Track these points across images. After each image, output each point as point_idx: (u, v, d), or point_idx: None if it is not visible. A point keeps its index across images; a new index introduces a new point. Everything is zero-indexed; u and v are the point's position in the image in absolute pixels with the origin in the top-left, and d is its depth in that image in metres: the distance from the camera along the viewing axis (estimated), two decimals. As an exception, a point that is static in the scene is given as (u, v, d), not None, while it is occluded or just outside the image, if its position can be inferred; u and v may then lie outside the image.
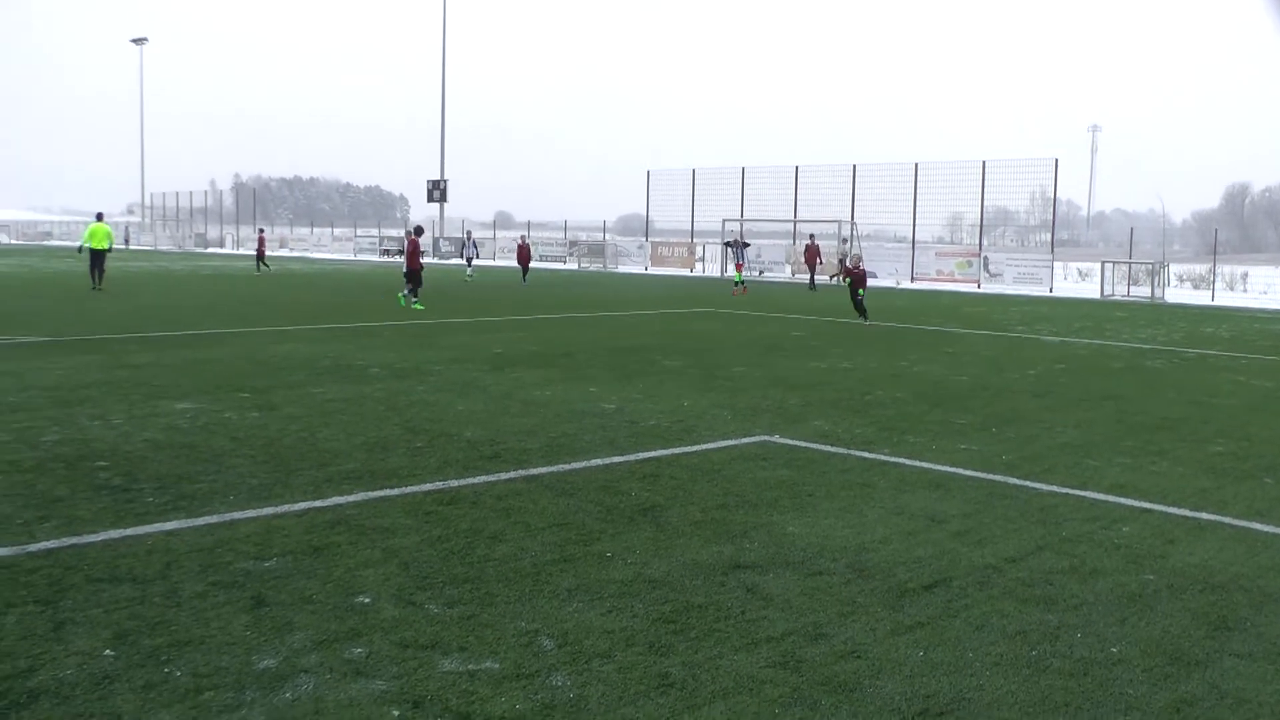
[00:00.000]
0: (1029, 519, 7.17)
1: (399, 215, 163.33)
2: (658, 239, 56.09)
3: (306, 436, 9.37)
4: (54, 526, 6.52)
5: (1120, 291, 37.35)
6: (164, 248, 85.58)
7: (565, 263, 57.30)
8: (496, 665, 4.63)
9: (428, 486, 7.68)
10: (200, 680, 4.42)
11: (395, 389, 12.13)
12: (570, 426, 10.07)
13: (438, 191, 68.42)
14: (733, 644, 4.92)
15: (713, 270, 50.00)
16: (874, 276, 36.48)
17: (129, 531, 6.44)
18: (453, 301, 27.31)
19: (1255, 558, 6.46)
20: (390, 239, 68.43)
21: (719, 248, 46.33)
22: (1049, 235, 48.20)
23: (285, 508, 7.04)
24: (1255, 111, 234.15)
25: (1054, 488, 8.07)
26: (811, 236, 41.54)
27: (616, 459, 8.73)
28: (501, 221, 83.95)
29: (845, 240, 44.40)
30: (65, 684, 4.35)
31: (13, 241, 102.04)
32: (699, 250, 52.77)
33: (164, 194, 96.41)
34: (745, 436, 9.79)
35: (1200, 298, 37.86)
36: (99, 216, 31.79)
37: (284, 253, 73.07)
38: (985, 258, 42.31)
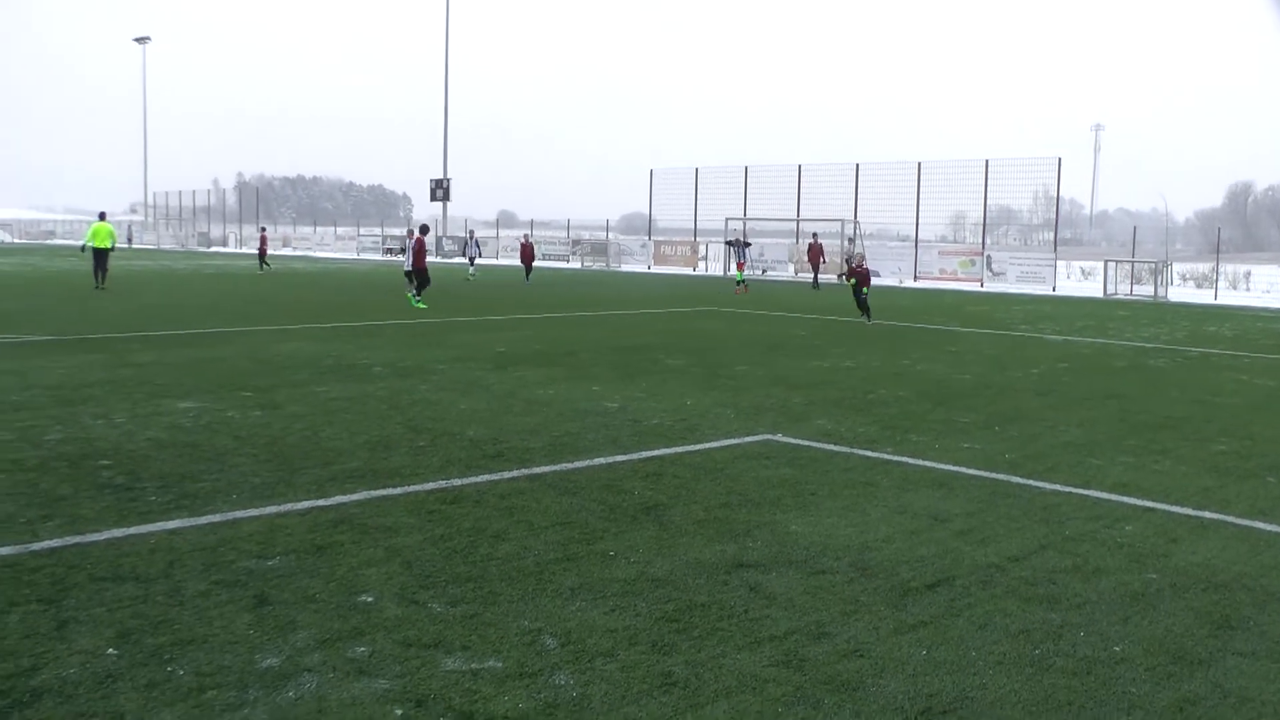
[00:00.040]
0: (1032, 518, 7.17)
1: (402, 214, 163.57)
2: (660, 238, 56.10)
3: (309, 435, 9.38)
4: (57, 525, 6.53)
5: (1123, 290, 37.32)
6: (167, 247, 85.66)
7: (568, 262, 57.32)
8: (499, 664, 4.63)
9: (431, 485, 7.69)
10: (203, 679, 4.42)
11: (398, 388, 12.14)
12: (573, 425, 10.07)
13: (441, 190, 68.50)
14: (735, 643, 4.92)
15: (715, 269, 50.00)
16: (877, 275, 36.44)
17: (132, 530, 6.45)
18: (456, 300, 27.31)
19: (1258, 556, 6.45)
20: (393, 237, 68.42)
21: (722, 246, 46.30)
22: (1052, 234, 48.13)
23: (288, 506, 7.04)
24: (1258, 110, 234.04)
25: (1057, 486, 8.07)
26: (815, 235, 41.50)
27: (619, 458, 8.73)
28: (504, 220, 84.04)
29: (851, 240, 44.37)
30: (68, 683, 4.36)
31: (16, 240, 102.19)
32: (702, 249, 52.75)
33: (167, 193, 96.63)
34: (748, 435, 9.79)
35: (1203, 297, 37.80)
36: (102, 215, 31.82)
37: (287, 252, 73.13)
38: (988, 256, 42.28)
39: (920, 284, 42.17)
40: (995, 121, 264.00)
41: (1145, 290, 36.72)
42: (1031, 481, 8.20)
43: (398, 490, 7.52)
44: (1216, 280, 39.94)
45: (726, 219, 49.25)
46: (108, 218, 31.65)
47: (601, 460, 8.63)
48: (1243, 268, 46.02)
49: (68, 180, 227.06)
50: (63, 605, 5.20)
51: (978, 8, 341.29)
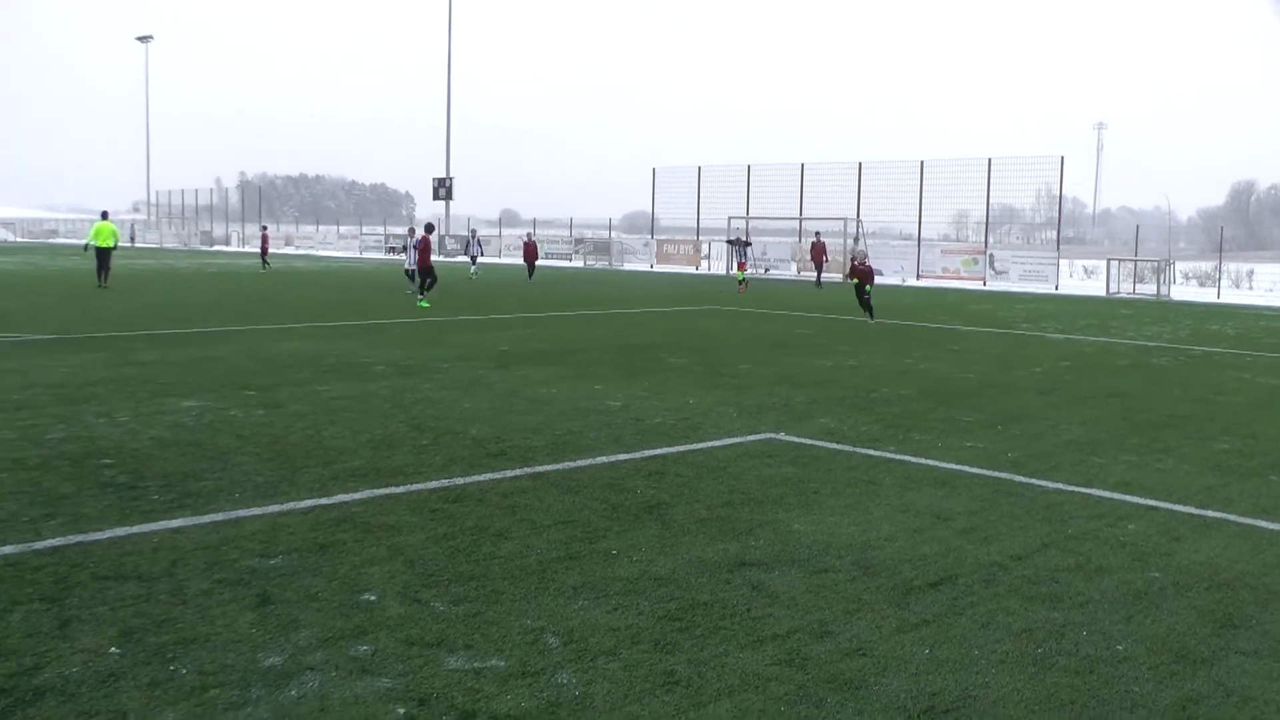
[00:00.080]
0: (1034, 516, 7.16)
1: (404, 213, 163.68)
2: (663, 237, 56.10)
3: (312, 434, 9.38)
4: (60, 524, 6.53)
5: (1126, 289, 37.29)
6: (169, 246, 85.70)
7: (571, 260, 57.32)
8: (502, 663, 4.63)
9: (433, 484, 7.69)
10: (205, 678, 4.42)
11: (401, 386, 12.14)
12: (576, 424, 10.07)
13: (443, 189, 68.55)
14: (738, 641, 4.92)
15: (718, 268, 49.98)
16: (880, 274, 36.43)
17: (134, 529, 6.45)
18: (459, 299, 27.32)
19: (1261, 555, 6.45)
20: (395, 236, 68.42)
21: (724, 245, 46.29)
22: (1054, 233, 48.09)
23: (291, 505, 7.05)
24: (1261, 109, 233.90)
25: (1059, 485, 8.06)
26: (817, 234, 41.46)
27: (622, 456, 8.73)
28: (507, 219, 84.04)
29: (856, 240, 44.35)
30: (71, 681, 4.36)
31: (18, 239, 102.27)
32: (704, 248, 52.74)
33: (169, 192, 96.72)
34: (751, 434, 9.79)
35: (1206, 295, 37.78)
36: (104, 215, 31.88)
37: (289, 250, 73.15)
38: (991, 255, 42.25)
39: (923, 283, 42.15)
40: (998, 120, 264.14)
41: (1148, 289, 36.69)
42: (1034, 480, 8.20)
43: (400, 489, 7.53)
44: (1219, 279, 39.94)
45: (729, 218, 49.24)
46: (110, 217, 31.69)
47: (604, 459, 8.63)
48: (1245, 266, 45.95)
49: (70, 179, 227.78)
50: (65, 604, 5.21)
51: (979, 7, 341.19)
